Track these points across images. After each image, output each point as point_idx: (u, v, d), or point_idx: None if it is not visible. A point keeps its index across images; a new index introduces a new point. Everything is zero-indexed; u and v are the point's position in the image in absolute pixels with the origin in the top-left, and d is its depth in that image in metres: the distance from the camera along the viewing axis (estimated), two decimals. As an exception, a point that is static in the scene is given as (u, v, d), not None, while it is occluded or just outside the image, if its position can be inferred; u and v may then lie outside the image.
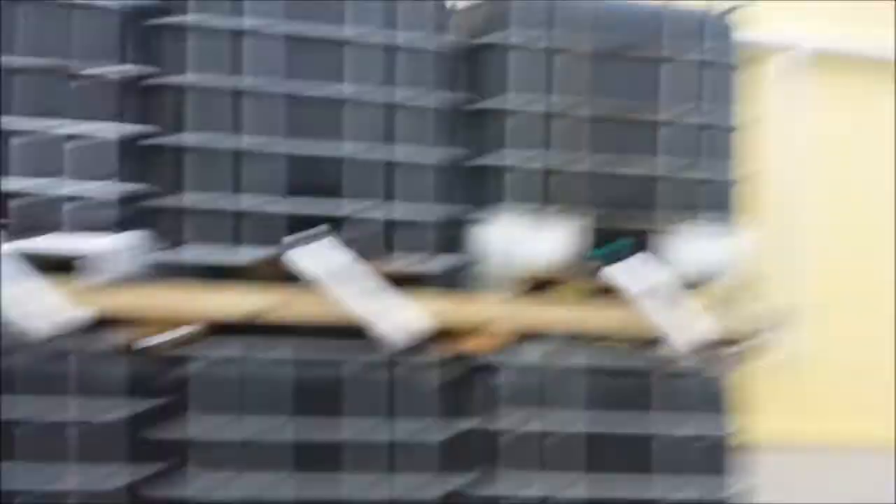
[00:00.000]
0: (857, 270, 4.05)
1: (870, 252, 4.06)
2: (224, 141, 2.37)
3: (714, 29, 2.75)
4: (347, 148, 2.45)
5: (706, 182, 2.70)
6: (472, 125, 2.63)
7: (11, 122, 2.23)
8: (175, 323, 2.31)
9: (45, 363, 2.22)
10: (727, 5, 2.78)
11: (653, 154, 2.66)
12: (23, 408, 2.20)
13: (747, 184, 2.77)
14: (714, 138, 2.72)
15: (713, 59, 2.72)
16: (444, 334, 2.47)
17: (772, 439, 3.97)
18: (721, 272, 2.66)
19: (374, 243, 2.45)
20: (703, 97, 2.71)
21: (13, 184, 2.23)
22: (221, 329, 2.37)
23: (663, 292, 2.53)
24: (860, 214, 4.09)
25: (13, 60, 2.22)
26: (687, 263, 2.62)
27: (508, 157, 2.58)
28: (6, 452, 2.17)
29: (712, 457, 2.64)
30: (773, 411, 3.94)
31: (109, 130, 2.31)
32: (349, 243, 2.39)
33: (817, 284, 3.97)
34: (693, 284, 2.73)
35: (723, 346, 2.61)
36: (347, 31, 2.43)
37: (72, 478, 2.23)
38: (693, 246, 2.62)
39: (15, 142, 2.24)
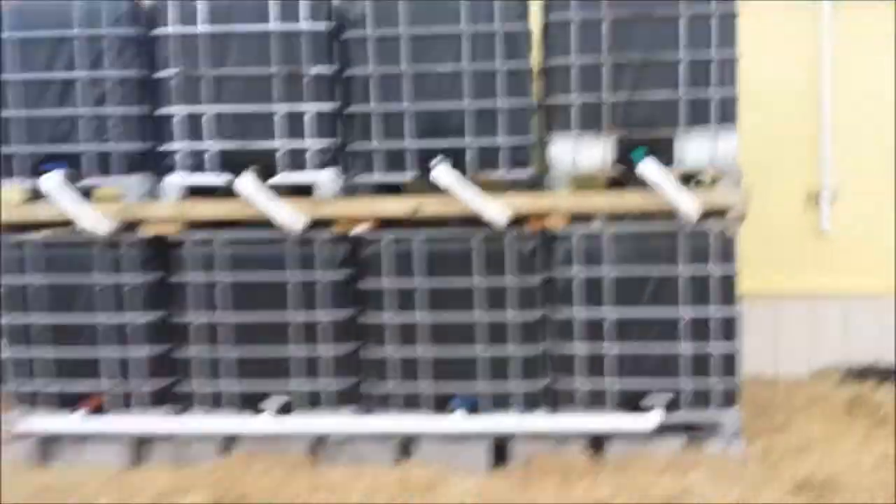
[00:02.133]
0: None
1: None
2: (390, 107, 3.89)
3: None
4: (465, 103, 3.86)
5: (710, 100, 3.83)
6: (545, 76, 3.95)
7: (273, 106, 3.88)
8: (365, 220, 3.89)
9: (302, 246, 3.91)
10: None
11: (675, 85, 3.82)
12: (291, 274, 3.92)
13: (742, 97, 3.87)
14: (720, 69, 3.82)
15: (719, 11, 3.79)
16: (532, 216, 3.88)
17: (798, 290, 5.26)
18: (718, 164, 3.84)
19: (483, 163, 3.88)
20: (713, 41, 3.81)
21: (276, 144, 3.90)
22: (393, 223, 3.94)
23: (677, 180, 3.77)
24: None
25: (267, 70, 3.83)
26: (695, 159, 3.83)
27: (572, 94, 3.86)
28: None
29: (723, 291, 3.89)
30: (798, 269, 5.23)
31: (327, 106, 3.91)
32: (465, 164, 3.84)
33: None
34: (700, 173, 3.96)
35: (719, 215, 3.83)
36: (463, 27, 3.82)
37: (319, 314, 3.95)
38: (699, 146, 3.81)
39: (277, 117, 3.88)
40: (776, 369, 5.36)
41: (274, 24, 3.82)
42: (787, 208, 5.38)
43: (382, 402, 4.04)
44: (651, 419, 3.86)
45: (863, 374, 5.13)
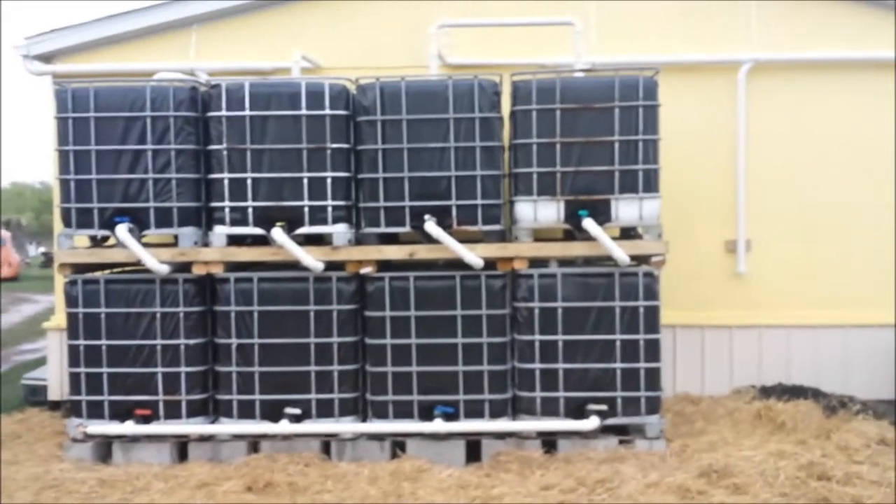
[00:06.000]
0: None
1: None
2: (392, 175, 4.94)
3: (646, 85, 4.95)
4: (450, 172, 4.93)
5: (639, 172, 4.94)
6: (512, 151, 5.05)
7: (300, 173, 4.89)
8: (370, 263, 4.93)
9: (320, 283, 4.94)
10: (649, 73, 4.98)
11: (611, 161, 4.94)
12: (310, 306, 4.92)
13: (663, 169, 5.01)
14: (645, 148, 4.94)
15: (644, 104, 4.93)
16: (501, 260, 4.95)
17: (720, 322, 6.38)
18: (644, 221, 4.95)
19: (463, 219, 4.94)
20: (640, 127, 4.94)
21: (302, 203, 4.92)
22: (392, 266, 4.98)
23: (615, 234, 4.86)
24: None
25: (297, 145, 4.87)
26: (627, 217, 4.94)
27: (533, 167, 4.96)
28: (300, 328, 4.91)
29: (648, 320, 4.97)
30: (720, 305, 6.36)
31: (343, 174, 4.93)
32: (450, 219, 4.91)
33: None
34: (631, 227, 5.07)
35: (645, 261, 4.94)
36: (450, 114, 4.90)
37: (332, 339, 4.95)
38: (629, 207, 4.92)
39: (304, 182, 4.91)
40: (702, 388, 6.43)
41: (303, 110, 4.90)
42: (710, 255, 6.52)
43: (380, 410, 5.04)
44: (592, 423, 4.90)
45: (772, 391, 6.19)
